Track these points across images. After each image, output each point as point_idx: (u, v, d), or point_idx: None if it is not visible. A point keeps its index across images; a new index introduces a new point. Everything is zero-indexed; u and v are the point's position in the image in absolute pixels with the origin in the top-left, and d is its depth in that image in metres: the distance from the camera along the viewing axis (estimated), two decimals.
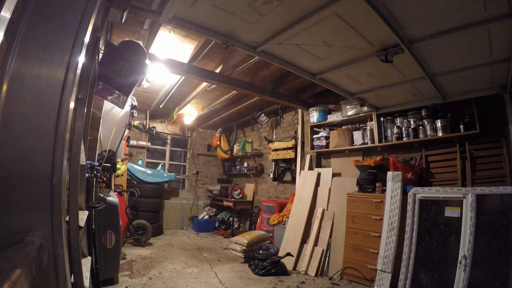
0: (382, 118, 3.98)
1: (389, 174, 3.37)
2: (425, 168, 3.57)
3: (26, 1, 0.76)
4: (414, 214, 3.01)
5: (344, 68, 2.75)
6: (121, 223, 3.29)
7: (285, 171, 5.96)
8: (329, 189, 4.47)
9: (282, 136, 6.13)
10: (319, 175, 4.74)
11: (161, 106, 6.09)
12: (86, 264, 2.03)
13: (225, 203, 6.80)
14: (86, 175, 2.27)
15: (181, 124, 7.50)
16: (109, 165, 3.34)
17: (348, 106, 4.38)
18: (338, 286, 3.47)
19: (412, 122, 3.62)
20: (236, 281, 3.52)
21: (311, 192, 4.63)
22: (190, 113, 6.97)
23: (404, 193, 3.20)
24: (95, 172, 2.59)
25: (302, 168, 5.25)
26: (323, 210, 4.36)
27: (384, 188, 3.47)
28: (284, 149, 5.75)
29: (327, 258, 3.99)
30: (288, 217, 4.81)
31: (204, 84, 4.54)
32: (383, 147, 4.03)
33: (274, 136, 6.41)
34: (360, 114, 4.20)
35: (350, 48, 2.37)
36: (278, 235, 4.92)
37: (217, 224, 6.91)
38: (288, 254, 4.01)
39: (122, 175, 5.34)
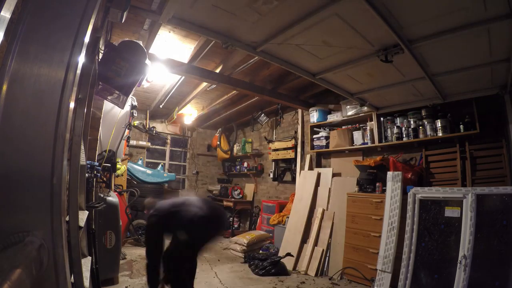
0: (382, 118, 3.98)
1: (389, 174, 3.37)
2: (425, 168, 3.57)
3: (26, 1, 0.76)
4: (414, 214, 3.01)
5: (344, 68, 2.75)
6: (121, 223, 3.29)
7: (285, 171, 5.96)
8: (329, 189, 4.47)
9: (282, 136, 6.13)
10: (319, 175, 4.74)
11: (161, 106, 6.09)
12: (86, 264, 2.03)
13: (225, 203, 6.80)
14: (86, 175, 2.27)
15: (181, 124, 7.50)
16: (109, 165, 3.34)
17: (348, 106, 4.38)
18: (338, 286, 3.47)
19: (412, 122, 3.62)
20: (236, 281, 3.52)
21: (311, 192, 4.63)
22: (190, 113, 6.97)
23: (404, 193, 3.20)
24: (95, 172, 2.59)
25: (302, 168, 5.25)
26: (323, 210, 4.36)
27: (384, 188, 3.47)
28: (284, 149, 5.75)
29: (327, 258, 3.99)
30: (288, 217, 4.81)
31: (204, 84, 4.54)
32: (383, 147, 4.03)
33: (274, 136, 6.41)
34: (360, 114, 4.20)
35: (350, 48, 2.37)
36: (278, 235, 4.92)
37: None
38: (288, 254, 4.01)
39: (122, 175, 5.34)
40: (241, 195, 6.71)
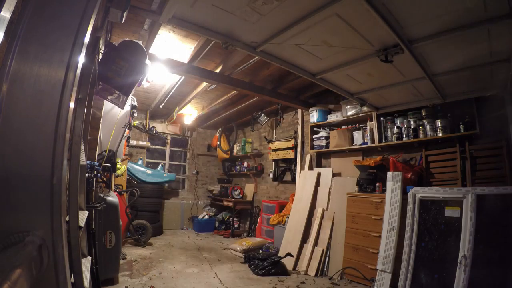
0: (382, 118, 3.98)
1: (389, 174, 3.37)
2: (425, 168, 3.57)
3: (26, 1, 0.76)
4: (414, 214, 3.01)
5: (344, 68, 2.75)
6: (121, 223, 3.29)
7: (285, 171, 5.96)
8: (329, 189, 4.47)
9: (282, 136, 6.13)
10: (319, 175, 4.74)
11: (161, 106, 6.09)
12: (86, 264, 2.03)
13: (225, 203, 6.80)
14: (86, 175, 2.27)
15: (181, 124, 7.50)
16: (109, 165, 3.34)
17: (348, 106, 4.38)
18: (338, 286, 3.47)
19: (412, 122, 3.62)
20: (236, 281, 3.52)
21: (311, 192, 4.63)
22: (190, 113, 6.97)
23: (404, 193, 3.20)
24: (95, 172, 2.59)
25: (302, 168, 5.25)
26: (323, 210, 4.36)
27: (384, 188, 3.47)
28: (284, 149, 5.75)
29: (327, 258, 3.99)
30: (288, 217, 4.81)
31: (204, 84, 4.54)
32: (383, 147, 4.03)
33: (274, 136, 6.41)
34: (360, 114, 4.20)
35: (350, 48, 2.37)
36: (278, 235, 4.92)
37: (217, 224, 6.91)
38: (288, 254, 4.01)
39: (122, 175, 5.34)
40: (241, 195, 6.71)
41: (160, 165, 7.10)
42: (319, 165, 5.10)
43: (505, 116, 2.94)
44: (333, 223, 4.13)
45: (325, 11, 1.88)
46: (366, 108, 3.98)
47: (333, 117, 4.68)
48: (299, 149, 5.43)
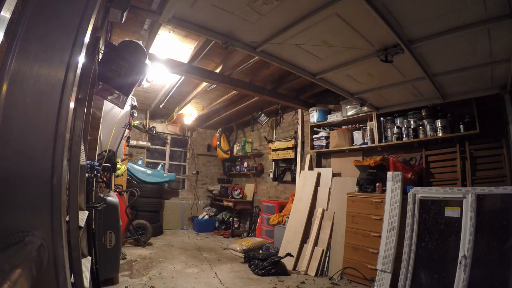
0: (382, 118, 3.98)
1: (389, 174, 3.37)
2: (425, 168, 3.57)
3: (26, 1, 0.76)
4: (414, 214, 3.01)
5: (344, 68, 2.75)
6: (121, 223, 3.29)
7: (285, 171, 5.96)
8: (329, 189, 4.47)
9: (282, 136, 6.13)
10: (319, 175, 4.74)
11: (161, 106, 6.09)
12: (86, 264, 2.03)
13: (225, 203, 6.80)
14: (86, 175, 2.27)
15: (181, 124, 7.50)
16: (109, 165, 3.34)
17: (348, 106, 4.38)
18: (338, 286, 3.47)
19: (412, 122, 3.62)
20: (236, 281, 3.52)
21: (311, 192, 4.63)
22: (190, 113, 6.97)
23: (404, 193, 3.20)
24: (95, 172, 2.59)
25: (302, 168, 5.25)
26: (323, 210, 4.36)
27: (384, 188, 3.47)
28: (284, 149, 5.75)
29: (327, 258, 3.99)
30: (288, 217, 4.81)
31: (204, 84, 4.54)
32: (383, 147, 4.03)
33: (274, 136, 6.41)
34: (360, 114, 4.20)
35: (350, 48, 2.37)
36: (278, 235, 4.92)
37: (217, 224, 6.91)
38: (288, 254, 4.01)
39: (122, 175, 5.34)
40: (241, 195, 6.71)
41: (160, 165, 7.10)
42: (319, 165, 5.10)
43: (505, 116, 2.94)
44: (333, 223, 4.13)
45: (325, 11, 1.88)
46: (366, 108, 3.98)
47: (333, 117, 4.68)
48: (299, 149, 5.43)
